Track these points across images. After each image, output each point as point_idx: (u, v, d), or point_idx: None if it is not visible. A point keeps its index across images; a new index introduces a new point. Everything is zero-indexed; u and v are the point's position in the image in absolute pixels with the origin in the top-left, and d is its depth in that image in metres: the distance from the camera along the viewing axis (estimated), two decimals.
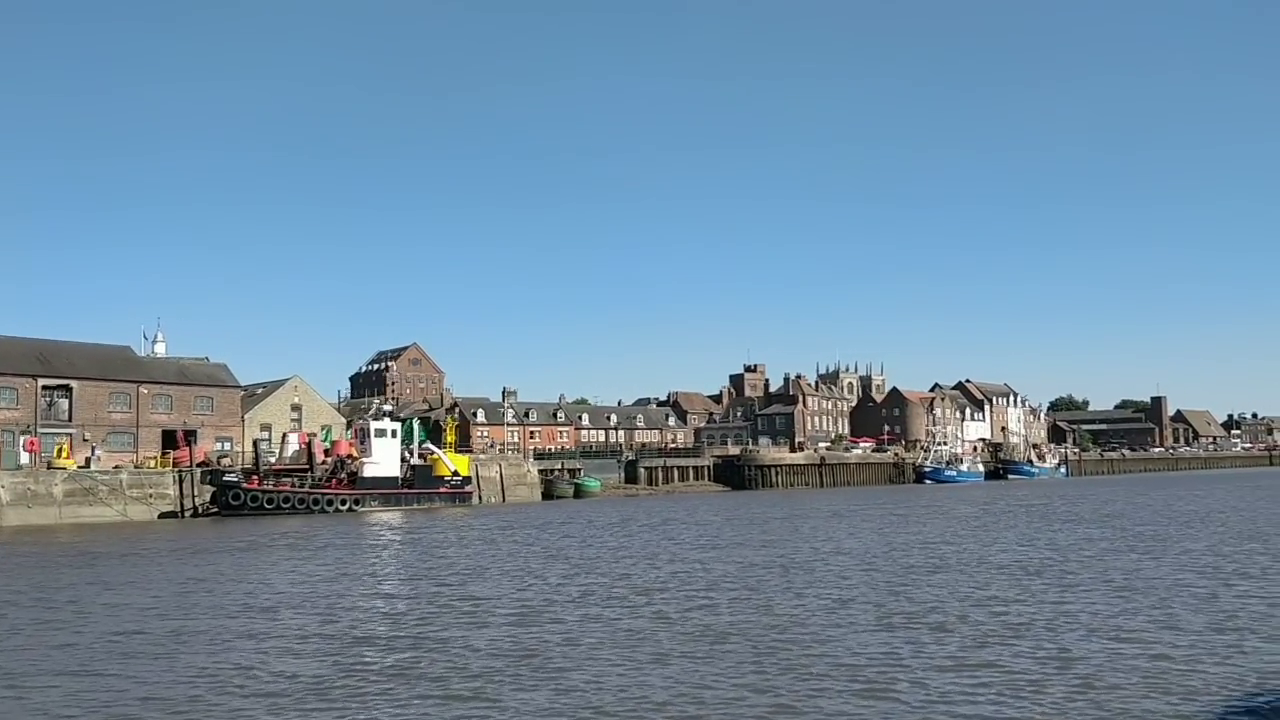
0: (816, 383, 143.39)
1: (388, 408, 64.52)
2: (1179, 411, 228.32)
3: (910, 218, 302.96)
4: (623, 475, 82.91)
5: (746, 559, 30.32)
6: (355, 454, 61.52)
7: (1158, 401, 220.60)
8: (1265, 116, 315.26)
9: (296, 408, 76.29)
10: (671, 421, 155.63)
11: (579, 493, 73.41)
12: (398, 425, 62.94)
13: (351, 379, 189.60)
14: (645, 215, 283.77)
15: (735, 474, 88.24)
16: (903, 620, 18.48)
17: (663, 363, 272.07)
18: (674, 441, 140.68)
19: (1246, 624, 17.62)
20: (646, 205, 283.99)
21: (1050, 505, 59.05)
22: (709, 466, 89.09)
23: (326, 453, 62.16)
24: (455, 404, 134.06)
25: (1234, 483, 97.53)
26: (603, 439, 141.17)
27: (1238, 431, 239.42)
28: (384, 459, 60.78)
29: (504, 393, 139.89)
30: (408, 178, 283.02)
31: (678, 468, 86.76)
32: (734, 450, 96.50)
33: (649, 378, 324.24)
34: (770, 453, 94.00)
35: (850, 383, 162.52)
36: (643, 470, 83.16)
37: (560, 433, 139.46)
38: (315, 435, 65.78)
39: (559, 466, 78.83)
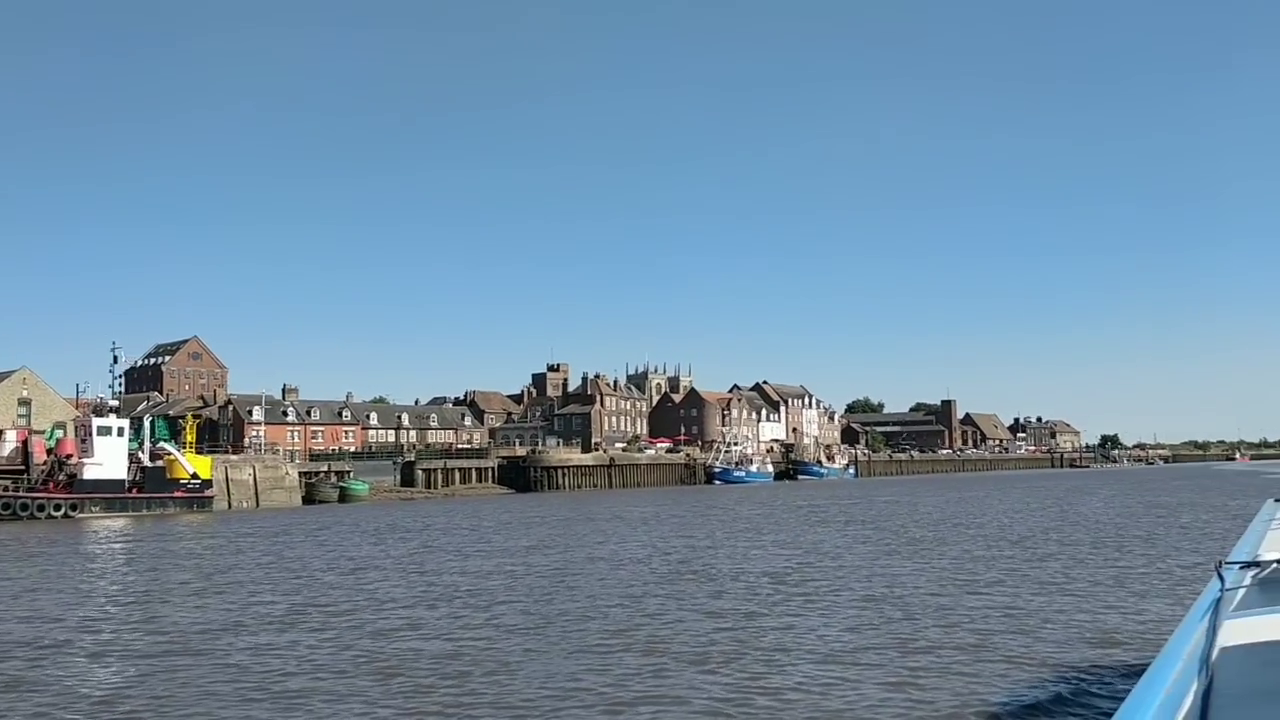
0: (616, 383, 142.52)
1: (114, 403, 58.70)
2: (968, 415, 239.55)
3: (720, 223, 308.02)
4: (398, 477, 79.09)
5: (486, 568, 27.81)
6: (75, 454, 55.70)
7: (948, 405, 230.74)
8: (1047, 122, 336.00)
9: (25, 402, 69.19)
10: (468, 421, 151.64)
11: (345, 497, 69.26)
12: (124, 423, 57.36)
13: (125, 374, 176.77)
14: (455, 208, 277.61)
15: (520, 476, 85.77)
16: (600, 640, 16.45)
17: (469, 361, 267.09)
18: (469, 442, 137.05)
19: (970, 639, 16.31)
20: (459, 197, 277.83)
21: (825, 507, 59.17)
22: (493, 468, 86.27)
23: (50, 452, 56.17)
24: (229, 401, 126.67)
25: (1008, 484, 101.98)
26: (393, 439, 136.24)
27: (1023, 434, 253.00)
28: (108, 459, 55.20)
29: (284, 390, 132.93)
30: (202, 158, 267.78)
31: (459, 470, 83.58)
32: (522, 451, 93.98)
33: (455, 376, 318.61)
34: (558, 453, 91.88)
35: (659, 384, 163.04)
36: (420, 472, 79.56)
37: (345, 432, 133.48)
38: (40, 434, 59.45)
39: (324, 469, 74.31)
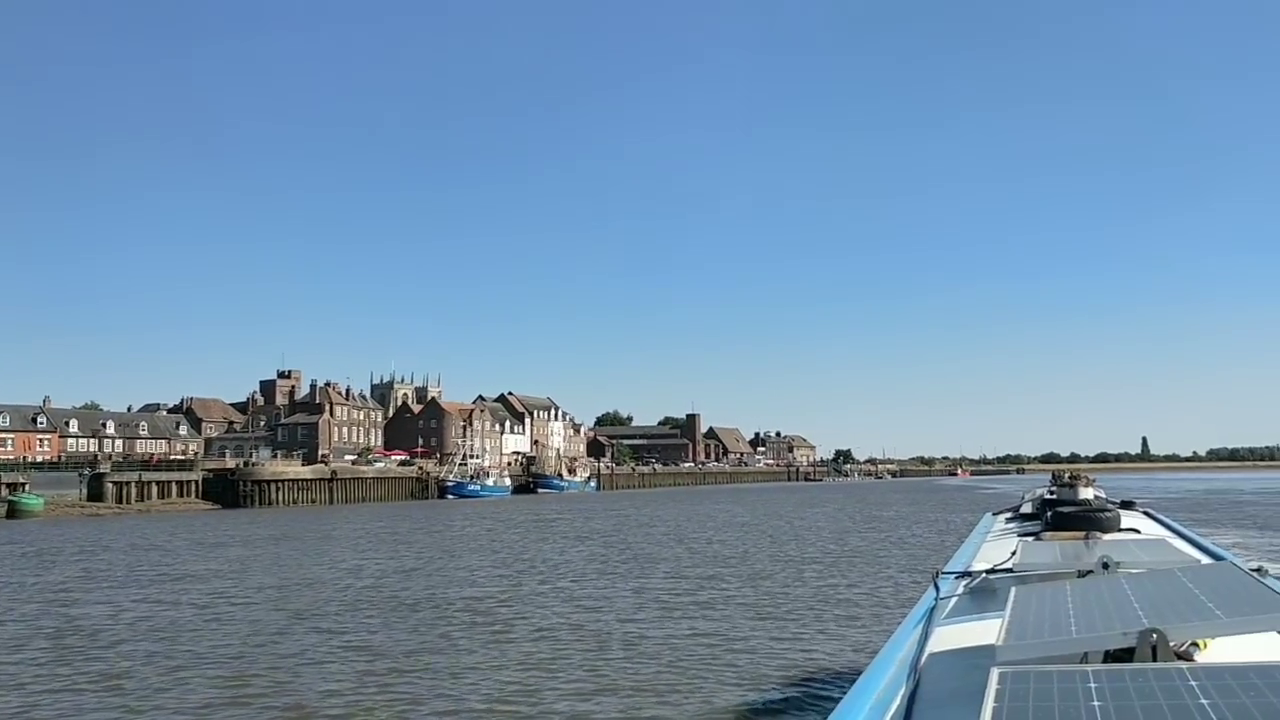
0: (348, 391, 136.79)
1: None
2: (711, 429, 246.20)
3: (478, 231, 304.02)
4: (85, 491, 71.83)
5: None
6: None
7: (692, 419, 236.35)
8: (797, 148, 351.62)
9: None
10: (184, 431, 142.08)
11: (14, 512, 61.98)
12: None
13: None
14: (177, 198, 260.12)
15: (229, 490, 79.87)
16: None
17: (194, 365, 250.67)
18: (184, 453, 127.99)
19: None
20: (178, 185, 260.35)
21: (554, 521, 57.97)
22: (198, 482, 79.96)
23: None
24: None
25: (742, 496, 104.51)
26: (95, 449, 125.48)
27: (763, 448, 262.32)
28: None
29: None
30: None
31: (159, 483, 76.86)
32: (233, 463, 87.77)
33: (179, 381, 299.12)
34: (273, 466, 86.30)
35: (405, 394, 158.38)
36: (110, 485, 72.52)
37: (40, 440, 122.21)
38: None
39: None
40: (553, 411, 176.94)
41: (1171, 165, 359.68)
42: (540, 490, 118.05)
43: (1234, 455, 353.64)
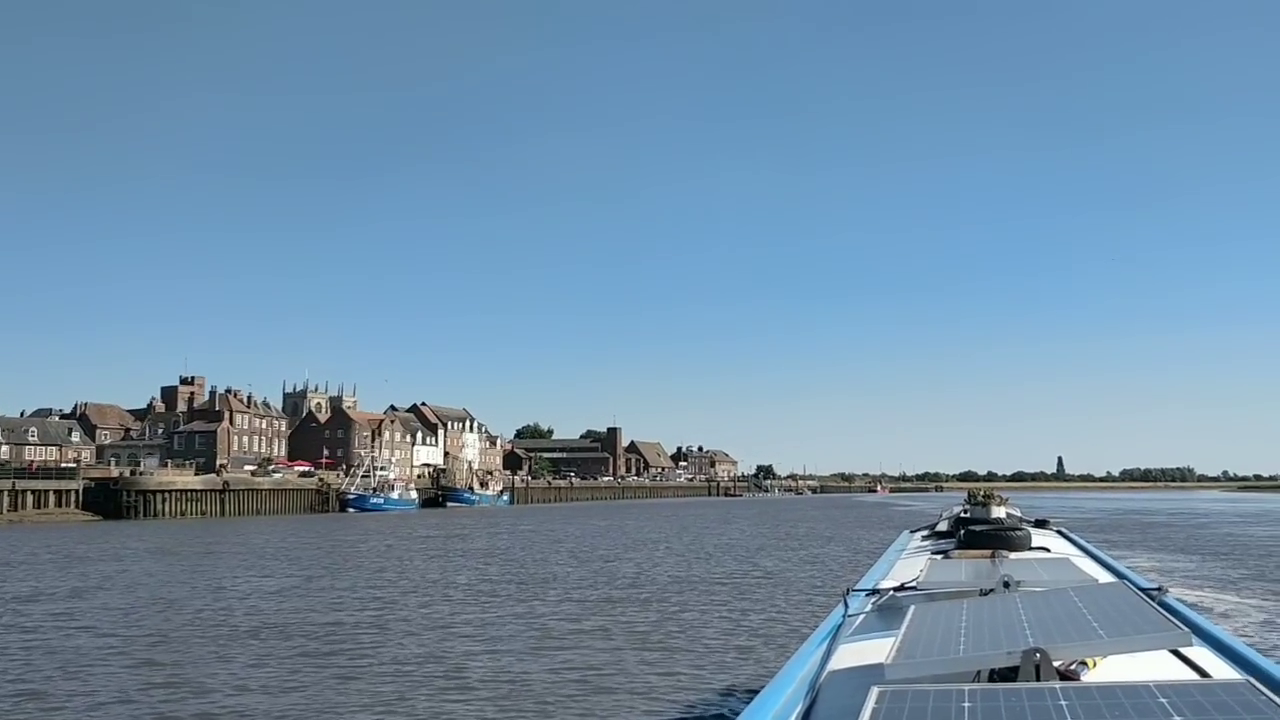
0: (250, 399, 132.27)
1: None
2: (633, 442, 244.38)
3: (399, 238, 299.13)
4: None
5: None
6: None
7: (613, 432, 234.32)
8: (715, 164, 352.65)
9: None
10: (76, 438, 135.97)
11: None
12: None
13: None
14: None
15: (111, 500, 75.82)
16: None
17: (94, 369, 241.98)
18: (77, 460, 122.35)
19: None
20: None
21: (440, 542, 55.51)
22: (78, 491, 75.78)
23: None
24: None
25: (657, 511, 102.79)
26: None
27: (684, 463, 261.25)
28: None
29: None
30: None
31: (34, 492, 72.59)
32: (117, 472, 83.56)
33: (80, 385, 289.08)
34: (161, 475, 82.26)
35: (320, 403, 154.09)
36: None
37: None
38: None
39: None
40: (468, 423, 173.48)
41: (1098, 195, 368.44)
42: (450, 504, 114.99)
43: (1146, 475, 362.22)
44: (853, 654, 3.99)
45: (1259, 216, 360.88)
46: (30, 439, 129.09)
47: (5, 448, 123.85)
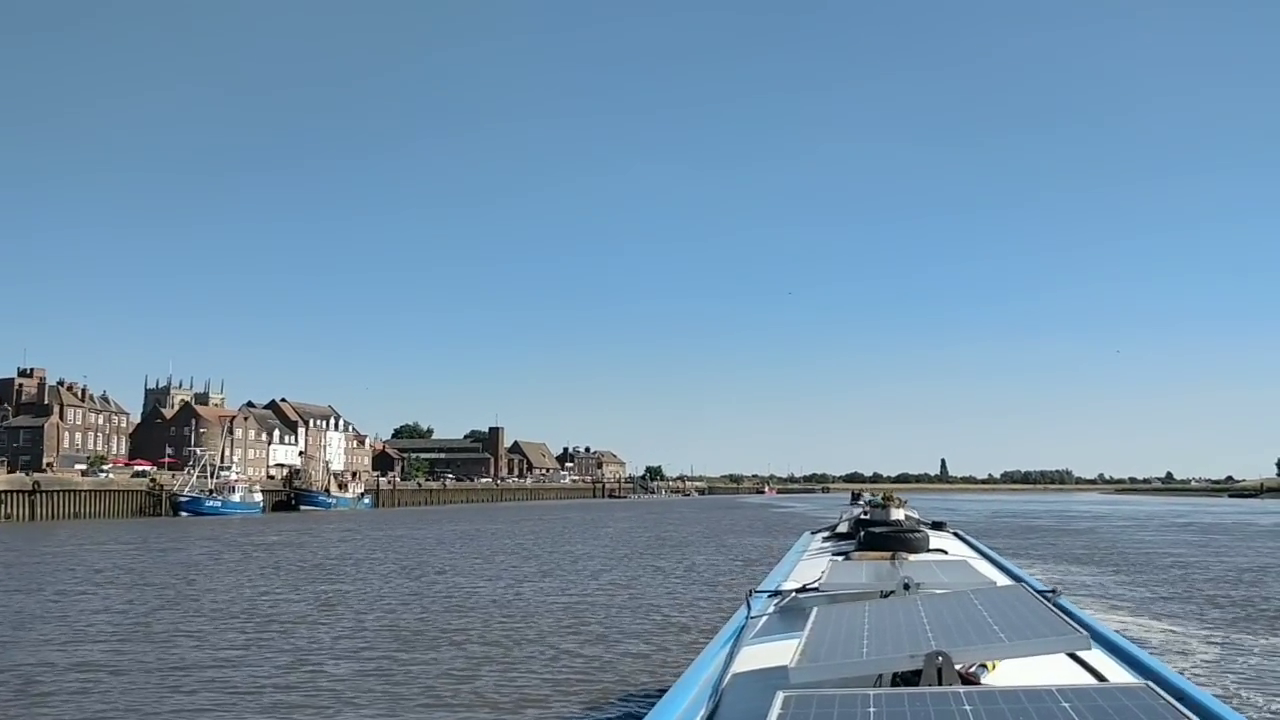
0: (84, 392, 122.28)
1: None
2: (516, 443, 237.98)
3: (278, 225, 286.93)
4: None
5: None
6: None
7: (495, 432, 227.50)
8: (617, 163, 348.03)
9: None
10: None
11: None
12: None
13: None
14: None
15: None
16: None
17: None
18: None
19: None
20: None
21: (280, 546, 49.02)
22: None
23: None
24: None
25: (526, 515, 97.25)
26: None
27: (571, 464, 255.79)
28: None
29: None
30: None
31: None
32: None
33: None
34: None
35: (183, 400, 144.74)
36: None
37: None
38: None
39: None
40: (332, 421, 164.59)
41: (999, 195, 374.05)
42: (303, 507, 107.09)
43: (1026, 478, 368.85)
44: (756, 656, 3.95)
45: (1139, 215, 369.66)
46: None
47: None
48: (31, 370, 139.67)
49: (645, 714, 3.12)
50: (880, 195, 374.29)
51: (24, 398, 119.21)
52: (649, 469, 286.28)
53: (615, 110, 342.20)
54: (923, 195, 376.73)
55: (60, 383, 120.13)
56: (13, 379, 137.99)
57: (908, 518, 9.63)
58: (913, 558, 6.53)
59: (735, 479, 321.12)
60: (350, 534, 62.40)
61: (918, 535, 7.33)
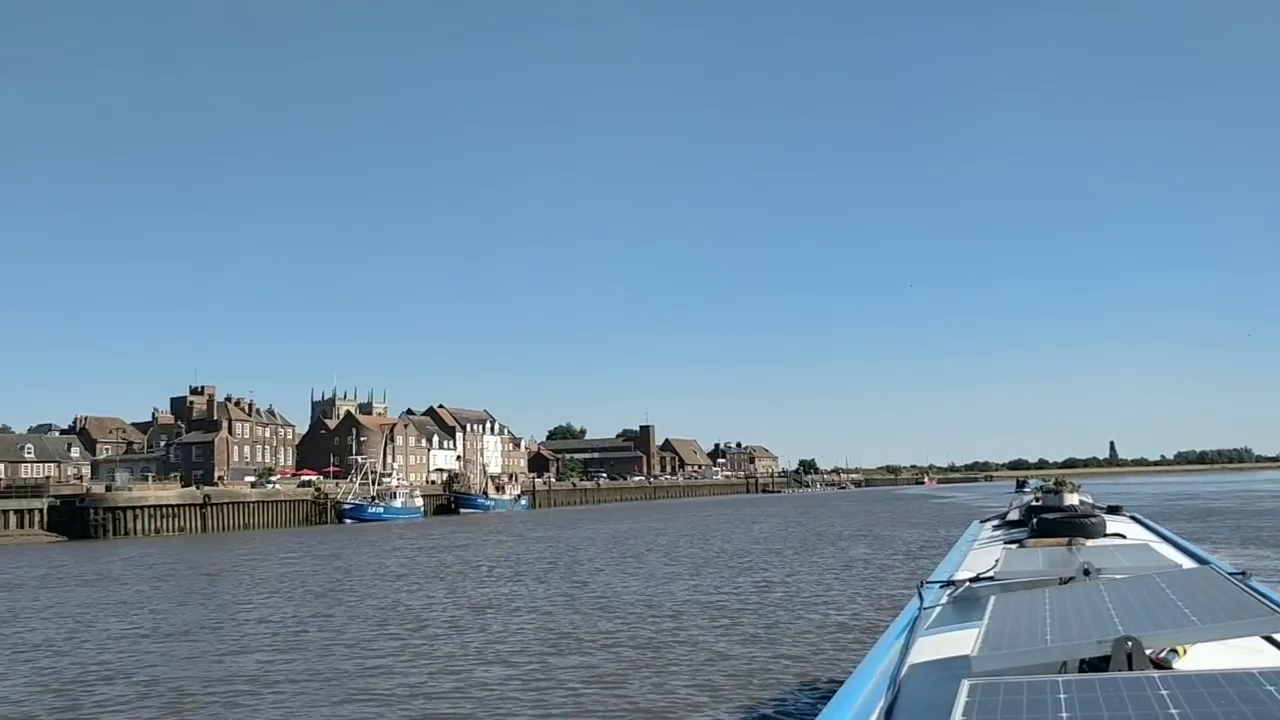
0: (252, 406, 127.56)
1: None
2: (668, 440, 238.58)
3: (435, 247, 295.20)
4: None
5: None
6: None
7: (646, 430, 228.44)
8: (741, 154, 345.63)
9: None
10: (75, 453, 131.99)
11: None
12: None
13: None
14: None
15: (78, 519, 70.59)
16: None
17: (113, 379, 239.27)
18: (79, 477, 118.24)
19: None
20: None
21: (447, 550, 49.76)
22: (43, 511, 70.60)
23: None
24: None
25: (682, 511, 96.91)
26: None
27: (722, 460, 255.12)
28: None
29: None
30: None
31: None
32: (98, 489, 78.42)
33: (88, 398, 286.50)
34: (139, 490, 76.92)
35: (347, 410, 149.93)
36: None
37: None
38: None
39: None
40: (488, 425, 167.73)
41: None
42: (463, 510, 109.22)
43: (1202, 458, 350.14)
44: (932, 647, 3.92)
45: None
46: (27, 456, 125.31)
47: (0, 465, 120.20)
48: (202, 388, 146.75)
49: (821, 708, 3.09)
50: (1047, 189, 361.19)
51: (195, 414, 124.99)
52: (802, 463, 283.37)
53: (771, 106, 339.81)
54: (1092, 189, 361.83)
55: (228, 398, 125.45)
56: (185, 397, 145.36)
57: (1082, 502, 9.43)
58: (1090, 543, 6.35)
59: (893, 470, 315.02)
60: (506, 536, 63.05)
61: (1094, 520, 7.11)
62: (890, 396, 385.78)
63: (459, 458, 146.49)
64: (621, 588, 29.62)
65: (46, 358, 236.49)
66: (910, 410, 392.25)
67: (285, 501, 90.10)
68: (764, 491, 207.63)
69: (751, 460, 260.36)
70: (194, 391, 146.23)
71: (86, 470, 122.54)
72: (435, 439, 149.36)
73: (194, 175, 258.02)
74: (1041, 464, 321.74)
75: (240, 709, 14.51)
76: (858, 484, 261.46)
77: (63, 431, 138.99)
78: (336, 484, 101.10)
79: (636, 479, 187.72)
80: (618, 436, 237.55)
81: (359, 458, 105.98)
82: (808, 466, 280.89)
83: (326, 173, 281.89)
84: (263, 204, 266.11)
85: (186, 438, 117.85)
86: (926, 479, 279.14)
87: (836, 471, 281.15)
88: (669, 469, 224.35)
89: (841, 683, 3.43)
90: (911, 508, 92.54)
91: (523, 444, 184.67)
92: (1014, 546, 6.65)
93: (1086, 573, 4.48)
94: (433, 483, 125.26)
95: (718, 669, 16.43)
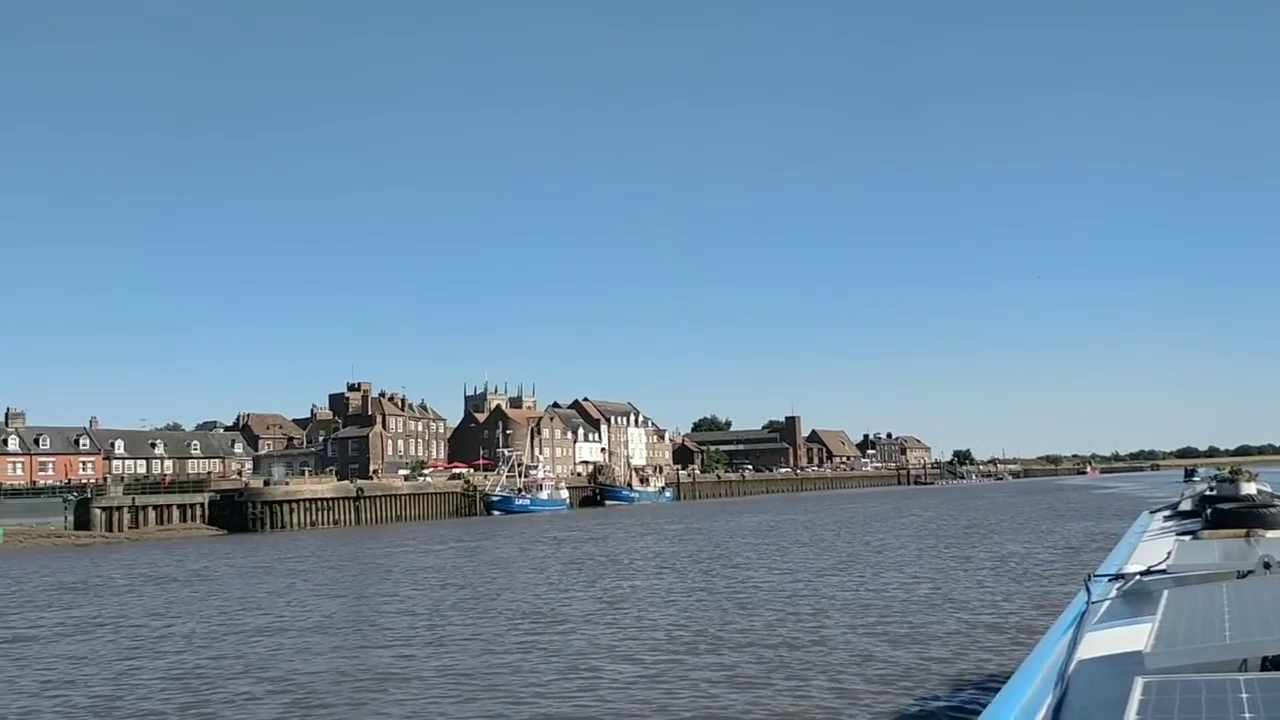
0: (404, 401, 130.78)
1: None
2: (815, 431, 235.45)
3: (556, 227, 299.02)
4: (71, 518, 65.86)
5: None
6: None
7: (792, 421, 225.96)
8: (867, 147, 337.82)
9: None
10: (239, 449, 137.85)
11: None
12: None
13: None
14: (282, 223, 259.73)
15: (236, 513, 73.27)
16: None
17: (273, 381, 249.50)
18: (239, 472, 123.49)
19: None
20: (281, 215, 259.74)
21: (583, 542, 49.75)
22: (204, 505, 73.50)
23: None
24: None
25: (829, 503, 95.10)
26: (143, 470, 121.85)
27: (872, 451, 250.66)
28: None
29: (7, 414, 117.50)
30: None
31: (156, 507, 70.49)
32: (256, 483, 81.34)
33: (257, 396, 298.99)
34: (288, 485, 79.49)
35: (498, 404, 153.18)
36: (98, 512, 66.37)
37: (84, 463, 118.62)
38: None
39: None
40: (632, 417, 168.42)
41: None
42: (608, 502, 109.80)
43: None
44: (1102, 642, 3.79)
45: None
46: (193, 452, 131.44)
47: (169, 462, 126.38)
48: (359, 384, 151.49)
49: (986, 703, 3.05)
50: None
51: (351, 410, 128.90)
52: (957, 453, 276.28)
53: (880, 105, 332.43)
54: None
55: (382, 394, 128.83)
56: (343, 394, 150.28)
57: (1260, 492, 8.88)
58: (1270, 534, 6.06)
59: (1053, 460, 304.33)
60: (649, 529, 62.78)
61: (1275, 510, 6.70)
62: (1049, 385, 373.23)
63: (604, 450, 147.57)
64: (763, 582, 28.82)
65: (214, 359, 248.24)
66: (1071, 399, 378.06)
67: (435, 494, 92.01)
68: (916, 483, 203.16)
69: (903, 451, 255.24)
70: (351, 388, 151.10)
71: (249, 465, 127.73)
72: (580, 431, 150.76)
73: (357, 181, 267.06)
74: (1212, 451, 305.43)
75: (364, 709, 14.29)
76: (1015, 475, 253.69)
77: (227, 428, 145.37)
78: (485, 476, 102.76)
79: (782, 471, 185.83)
80: (763, 428, 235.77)
81: (505, 450, 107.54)
82: (962, 457, 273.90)
83: (483, 170, 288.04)
84: (418, 204, 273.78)
85: (343, 433, 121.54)
86: (1089, 469, 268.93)
87: (993, 462, 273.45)
88: (816, 461, 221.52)
89: (1005, 680, 3.35)
90: (1072, 499, 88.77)
91: (667, 436, 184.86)
92: (1187, 538, 6.43)
93: (1267, 566, 4.33)
94: (578, 475, 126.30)
95: (858, 672, 15.53)
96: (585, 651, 18.30)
